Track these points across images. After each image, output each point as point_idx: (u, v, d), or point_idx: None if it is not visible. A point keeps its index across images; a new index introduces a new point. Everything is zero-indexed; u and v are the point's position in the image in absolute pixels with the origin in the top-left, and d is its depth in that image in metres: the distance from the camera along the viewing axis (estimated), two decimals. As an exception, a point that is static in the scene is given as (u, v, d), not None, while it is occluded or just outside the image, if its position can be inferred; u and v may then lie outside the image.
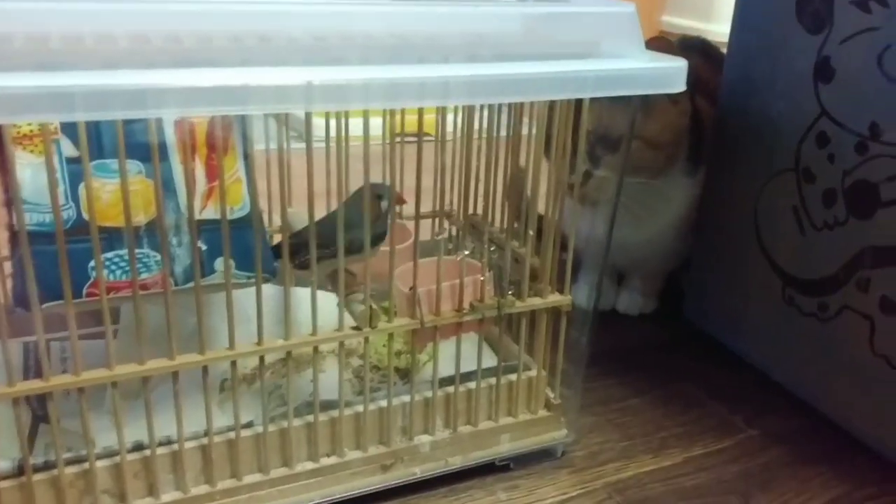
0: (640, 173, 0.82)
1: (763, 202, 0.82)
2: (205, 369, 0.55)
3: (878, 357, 0.72)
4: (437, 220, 0.84)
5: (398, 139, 0.58)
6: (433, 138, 0.72)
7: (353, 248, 0.58)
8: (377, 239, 0.61)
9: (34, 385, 0.51)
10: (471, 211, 0.77)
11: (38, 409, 0.62)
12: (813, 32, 0.74)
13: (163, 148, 0.57)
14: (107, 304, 0.51)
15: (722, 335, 0.91)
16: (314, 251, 0.55)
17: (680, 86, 0.57)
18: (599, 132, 0.79)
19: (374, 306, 0.58)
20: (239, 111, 0.45)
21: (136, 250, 0.57)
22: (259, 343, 0.55)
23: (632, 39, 0.58)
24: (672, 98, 0.81)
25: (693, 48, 0.97)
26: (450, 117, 0.75)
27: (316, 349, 0.57)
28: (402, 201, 0.62)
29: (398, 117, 0.60)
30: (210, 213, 0.59)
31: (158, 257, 0.57)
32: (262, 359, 0.56)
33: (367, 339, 0.59)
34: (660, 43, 0.75)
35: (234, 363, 0.55)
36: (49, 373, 0.51)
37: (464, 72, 0.50)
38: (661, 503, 0.66)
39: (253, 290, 0.55)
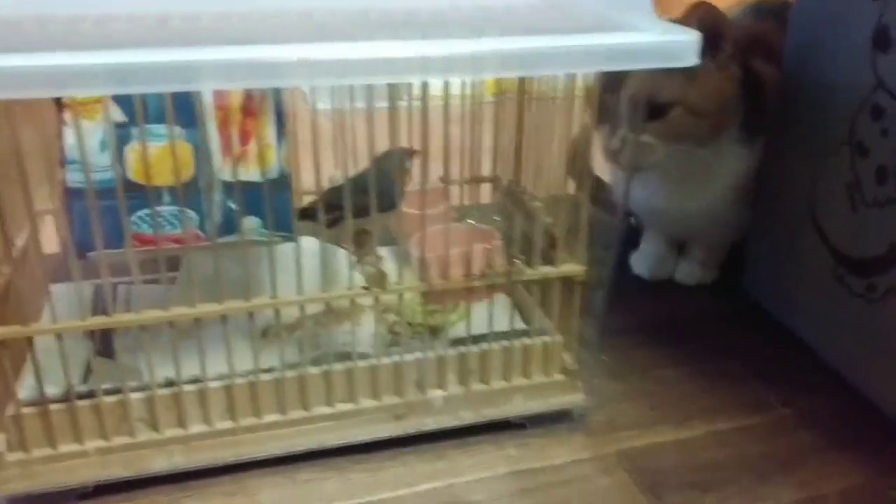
0: (683, 141, 0.80)
1: (818, 176, 0.79)
2: (250, 315, 0.61)
3: (923, 344, 0.69)
4: (469, 187, 0.86)
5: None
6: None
7: (382, 206, 0.62)
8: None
9: (100, 320, 0.58)
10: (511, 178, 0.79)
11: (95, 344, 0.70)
12: (873, -1, 0.70)
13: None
14: (154, 255, 0.58)
15: (776, 310, 0.89)
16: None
17: (691, 59, 0.56)
18: (638, 97, 0.78)
19: (383, 269, 0.61)
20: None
21: (171, 207, 0.63)
22: (274, 297, 0.60)
23: (643, 11, 0.57)
24: (719, 63, 0.78)
25: (768, 12, 0.93)
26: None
27: (328, 305, 0.62)
28: (413, 153, 0.65)
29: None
30: (242, 174, 0.64)
31: (191, 214, 0.63)
32: (277, 311, 0.61)
33: (377, 299, 0.63)
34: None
35: (251, 314, 0.61)
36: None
37: (468, 48, 0.51)
38: (668, 474, 0.67)
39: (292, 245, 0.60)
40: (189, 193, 0.63)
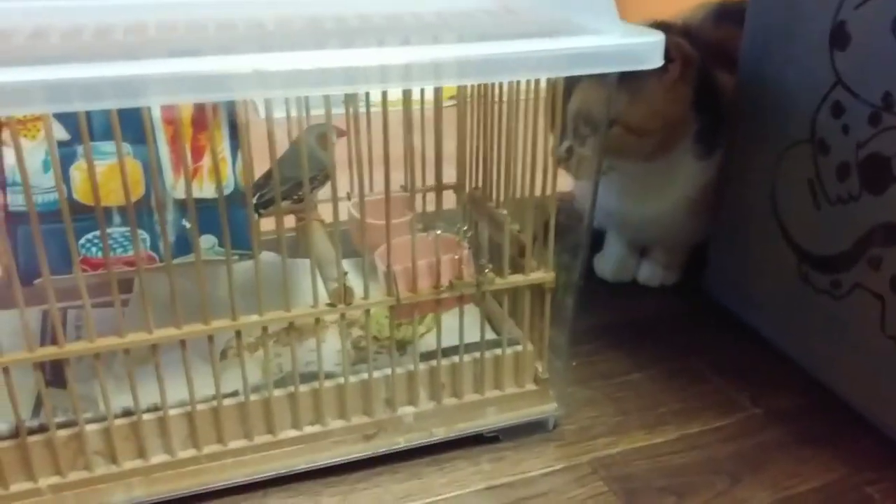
0: (624, 157, 0.80)
1: (780, 175, 0.79)
2: (210, 338, 0.58)
3: (889, 339, 0.69)
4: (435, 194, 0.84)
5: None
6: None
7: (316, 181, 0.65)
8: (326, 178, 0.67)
9: (50, 351, 0.55)
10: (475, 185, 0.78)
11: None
12: (828, -5, 0.70)
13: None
14: (108, 278, 0.55)
15: (739, 310, 0.89)
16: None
17: (656, 61, 0.56)
18: (582, 111, 0.77)
19: (347, 284, 0.59)
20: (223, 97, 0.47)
21: (126, 228, 0.60)
22: (234, 318, 0.57)
23: (606, 13, 0.56)
24: (665, 84, 0.78)
25: (729, 15, 0.92)
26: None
27: (292, 325, 0.59)
28: (343, 134, 0.64)
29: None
30: (195, 192, 0.61)
31: (141, 234, 0.60)
32: (238, 333, 0.58)
33: (343, 316, 0.61)
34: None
35: (211, 337, 0.58)
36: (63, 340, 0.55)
37: (427, 55, 0.50)
38: (644, 481, 0.66)
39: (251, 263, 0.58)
40: (139, 213, 0.60)
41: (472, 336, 0.66)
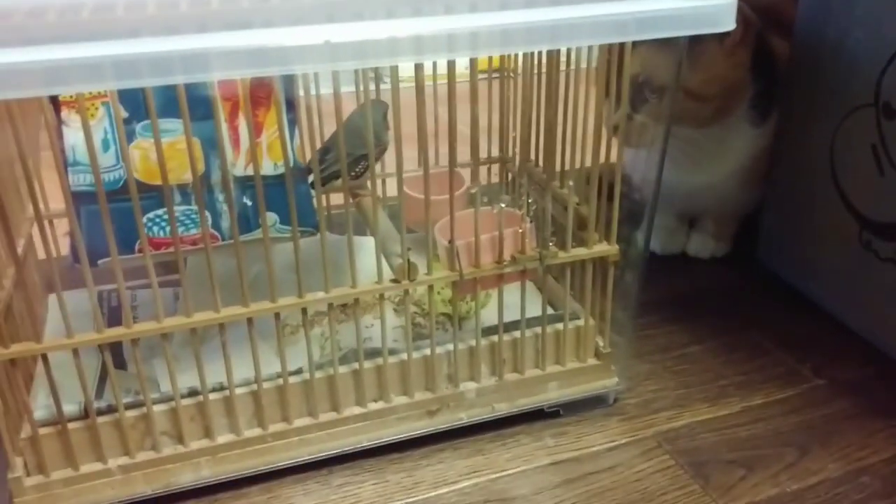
0: (684, 123, 0.78)
1: (840, 141, 0.77)
2: (277, 315, 0.57)
3: (959, 306, 0.67)
4: (490, 167, 0.83)
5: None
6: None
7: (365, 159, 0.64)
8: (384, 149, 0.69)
9: (118, 332, 0.55)
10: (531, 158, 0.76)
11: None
12: (896, -47, 0.68)
13: (207, 105, 0.59)
14: (167, 259, 0.54)
15: (796, 280, 0.87)
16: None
17: (728, 24, 0.54)
18: (642, 77, 0.75)
19: (411, 260, 0.58)
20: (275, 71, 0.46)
21: (186, 207, 0.59)
22: (301, 296, 0.57)
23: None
24: (727, 49, 0.76)
25: None
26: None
27: (357, 301, 0.59)
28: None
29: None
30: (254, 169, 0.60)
31: (205, 213, 0.59)
32: (304, 310, 0.58)
33: (406, 292, 0.60)
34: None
35: (277, 315, 0.57)
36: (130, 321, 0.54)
37: (493, 21, 0.49)
38: (711, 454, 0.65)
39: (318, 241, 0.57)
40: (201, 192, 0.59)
41: (532, 311, 0.65)
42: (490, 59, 0.70)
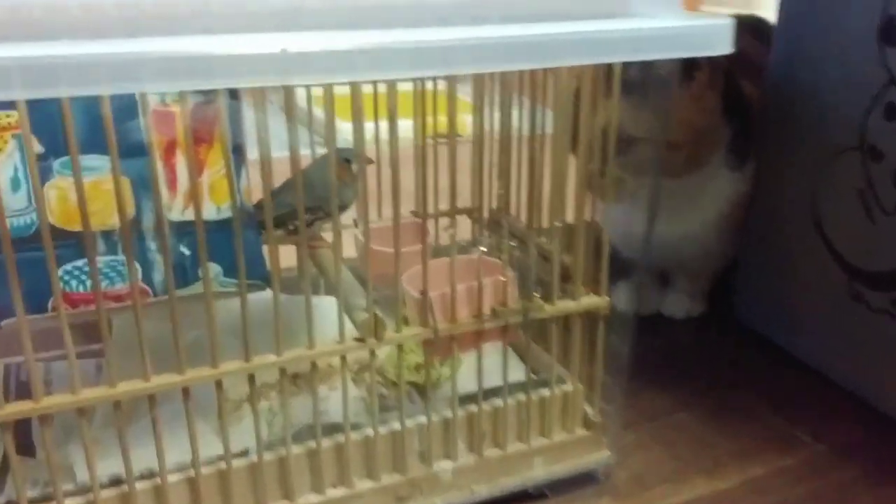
0: (658, 174, 0.73)
1: (823, 187, 0.73)
2: (218, 384, 0.48)
3: (965, 359, 0.62)
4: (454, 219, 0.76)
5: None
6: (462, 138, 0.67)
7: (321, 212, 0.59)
8: (346, 205, 0.63)
9: (25, 406, 0.44)
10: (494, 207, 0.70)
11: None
12: (876, -11, 0.65)
13: (139, 142, 0.51)
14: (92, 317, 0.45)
15: (779, 337, 0.82)
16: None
17: (725, 47, 0.49)
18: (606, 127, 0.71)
19: (379, 314, 0.50)
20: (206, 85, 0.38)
21: (111, 257, 0.50)
22: (247, 360, 0.48)
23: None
24: (694, 93, 0.72)
25: (744, 28, 0.88)
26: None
27: (314, 365, 0.50)
28: (369, 161, 0.57)
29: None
30: (192, 214, 0.52)
31: (135, 265, 0.50)
32: (251, 377, 0.49)
33: (372, 352, 0.52)
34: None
35: (219, 384, 0.48)
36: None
37: (469, 35, 0.43)
38: (719, 533, 0.58)
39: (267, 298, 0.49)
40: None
41: (500, 379, 0.57)
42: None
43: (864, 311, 0.71)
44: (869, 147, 0.68)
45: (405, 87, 0.52)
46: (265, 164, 0.47)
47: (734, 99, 0.77)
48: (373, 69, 0.41)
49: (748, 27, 0.86)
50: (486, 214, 0.70)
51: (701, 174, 0.77)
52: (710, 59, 0.74)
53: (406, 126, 0.51)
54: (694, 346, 0.85)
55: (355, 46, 0.40)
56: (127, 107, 0.50)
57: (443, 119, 0.64)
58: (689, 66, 0.72)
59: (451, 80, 0.47)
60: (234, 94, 0.53)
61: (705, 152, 0.77)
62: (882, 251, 0.68)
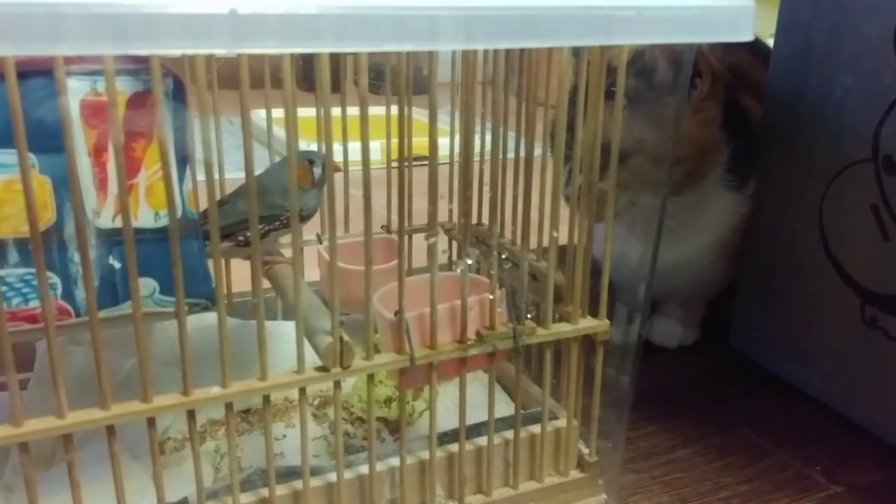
0: (648, 191, 0.67)
1: (830, 203, 0.67)
2: (150, 421, 0.40)
3: None
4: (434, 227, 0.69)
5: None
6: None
7: (284, 218, 0.53)
8: (307, 215, 0.55)
9: None
10: (475, 222, 0.63)
11: None
12: (890, -12, 0.60)
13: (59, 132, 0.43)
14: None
15: (782, 367, 0.76)
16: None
17: (746, 33, 0.43)
18: (603, 140, 0.65)
19: (346, 339, 0.42)
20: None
21: (25, 270, 0.42)
22: (186, 393, 0.40)
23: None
24: (694, 103, 0.67)
25: (740, 45, 0.83)
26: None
27: (267, 399, 0.42)
28: (337, 169, 0.50)
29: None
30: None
31: (50, 278, 0.42)
32: (192, 413, 0.41)
33: (337, 384, 0.44)
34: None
35: (151, 421, 0.40)
36: None
37: (458, 4, 0.36)
38: (736, 592, 0.50)
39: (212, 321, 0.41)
40: (47, 248, 0.42)
41: (483, 414, 0.49)
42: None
43: (880, 338, 0.65)
44: (884, 158, 0.62)
45: (376, 112, 0.46)
46: (210, 166, 0.39)
47: (734, 113, 0.71)
48: (339, 39, 0.34)
49: (744, 43, 0.81)
50: (467, 230, 0.62)
51: (697, 193, 0.71)
52: (710, 68, 0.68)
53: (374, 147, 0.44)
54: (690, 377, 0.78)
55: (321, 10, 0.33)
56: (48, 91, 0.42)
57: (416, 141, 0.58)
58: (691, 74, 0.66)
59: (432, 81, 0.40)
60: (177, 95, 0.46)
61: (703, 169, 0.71)
62: (899, 272, 0.62)
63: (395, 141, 0.60)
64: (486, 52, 0.54)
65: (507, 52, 0.51)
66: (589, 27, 0.39)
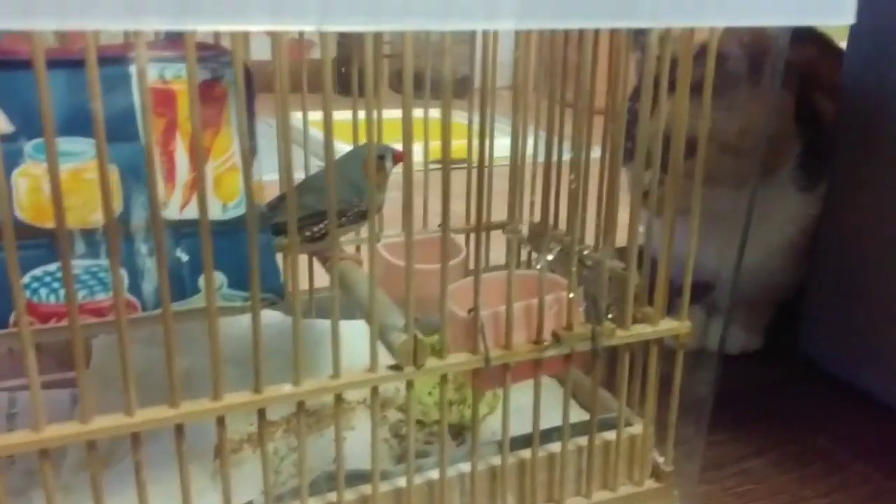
0: (717, 183, 0.64)
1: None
2: (220, 420, 0.38)
3: None
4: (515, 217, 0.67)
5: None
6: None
7: (351, 214, 0.51)
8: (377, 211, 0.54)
9: None
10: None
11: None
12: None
13: (130, 121, 0.41)
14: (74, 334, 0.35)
15: (854, 373, 0.72)
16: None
17: (849, 16, 0.41)
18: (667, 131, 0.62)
19: (420, 337, 0.41)
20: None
21: (91, 261, 0.41)
22: (257, 390, 0.38)
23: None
24: (764, 91, 0.64)
25: (804, 39, 0.80)
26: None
27: (339, 398, 0.40)
28: (401, 158, 0.48)
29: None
30: (194, 210, 0.43)
31: (121, 272, 0.41)
32: (262, 412, 0.39)
33: (409, 384, 0.42)
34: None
35: (221, 420, 0.38)
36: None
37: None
38: None
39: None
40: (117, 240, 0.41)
41: (553, 420, 0.47)
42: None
43: (964, 345, 0.61)
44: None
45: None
46: (283, 155, 0.38)
47: (807, 107, 0.68)
48: (428, 15, 0.32)
49: (807, 38, 0.78)
50: (547, 225, 0.60)
51: (766, 191, 0.68)
52: (785, 58, 0.65)
53: (417, 150, 0.43)
54: (757, 384, 0.75)
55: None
56: (118, 79, 0.41)
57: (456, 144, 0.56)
58: (759, 59, 0.63)
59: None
60: (247, 85, 0.45)
61: (773, 163, 0.68)
62: None
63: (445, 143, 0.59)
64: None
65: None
66: (675, 5, 0.37)
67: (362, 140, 0.45)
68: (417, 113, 0.42)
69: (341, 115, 0.51)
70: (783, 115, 0.66)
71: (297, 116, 0.62)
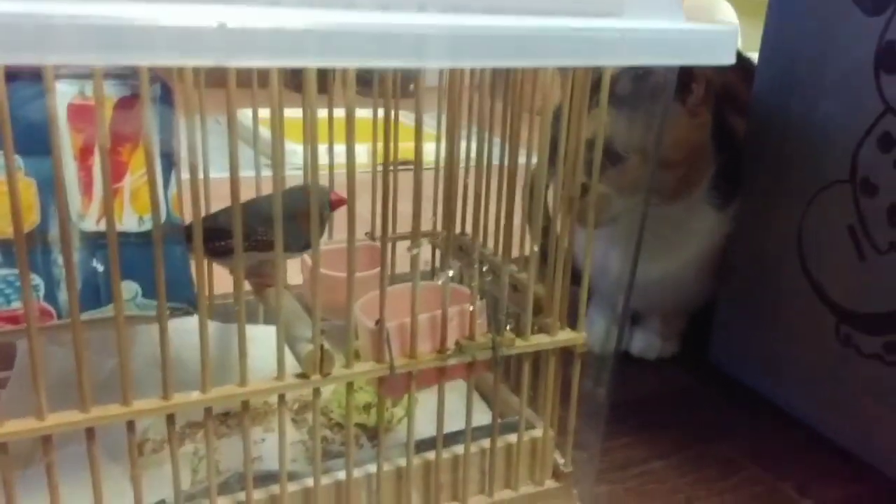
0: (641, 195, 0.68)
1: (809, 223, 0.68)
2: (130, 425, 0.40)
3: (965, 410, 0.57)
4: (417, 239, 0.69)
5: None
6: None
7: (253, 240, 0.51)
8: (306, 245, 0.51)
9: None
10: (458, 231, 0.63)
11: None
12: (872, 13, 0.61)
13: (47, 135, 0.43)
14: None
15: (759, 383, 0.77)
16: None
17: (729, 57, 0.44)
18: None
19: (327, 347, 0.43)
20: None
21: (8, 270, 0.42)
22: (166, 397, 0.40)
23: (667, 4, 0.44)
24: (690, 108, 0.68)
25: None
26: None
27: (246, 405, 0.42)
28: (342, 202, 0.50)
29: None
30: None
31: (37, 281, 0.42)
32: (170, 418, 0.41)
33: (316, 391, 0.44)
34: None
35: (131, 424, 0.40)
36: None
37: (445, 23, 0.36)
38: None
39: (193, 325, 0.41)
40: (30, 250, 0.43)
41: (460, 422, 0.50)
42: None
43: (853, 356, 0.66)
44: (861, 180, 0.63)
45: (362, 115, 0.46)
46: (194, 169, 0.40)
47: (722, 129, 0.72)
48: (325, 54, 0.34)
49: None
50: (450, 241, 0.63)
51: (683, 208, 0.72)
52: (704, 72, 0.69)
53: (361, 151, 0.45)
54: (667, 390, 0.79)
55: (308, 26, 0.33)
56: (36, 94, 0.43)
57: (403, 146, 0.58)
58: (686, 78, 0.67)
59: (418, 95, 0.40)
60: (165, 100, 0.46)
61: (693, 178, 0.72)
62: (873, 292, 0.63)
63: (381, 145, 0.61)
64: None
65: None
66: (574, 49, 0.40)
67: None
68: (361, 113, 0.44)
69: (293, 113, 0.52)
70: (703, 130, 0.70)
71: (247, 114, 0.63)
